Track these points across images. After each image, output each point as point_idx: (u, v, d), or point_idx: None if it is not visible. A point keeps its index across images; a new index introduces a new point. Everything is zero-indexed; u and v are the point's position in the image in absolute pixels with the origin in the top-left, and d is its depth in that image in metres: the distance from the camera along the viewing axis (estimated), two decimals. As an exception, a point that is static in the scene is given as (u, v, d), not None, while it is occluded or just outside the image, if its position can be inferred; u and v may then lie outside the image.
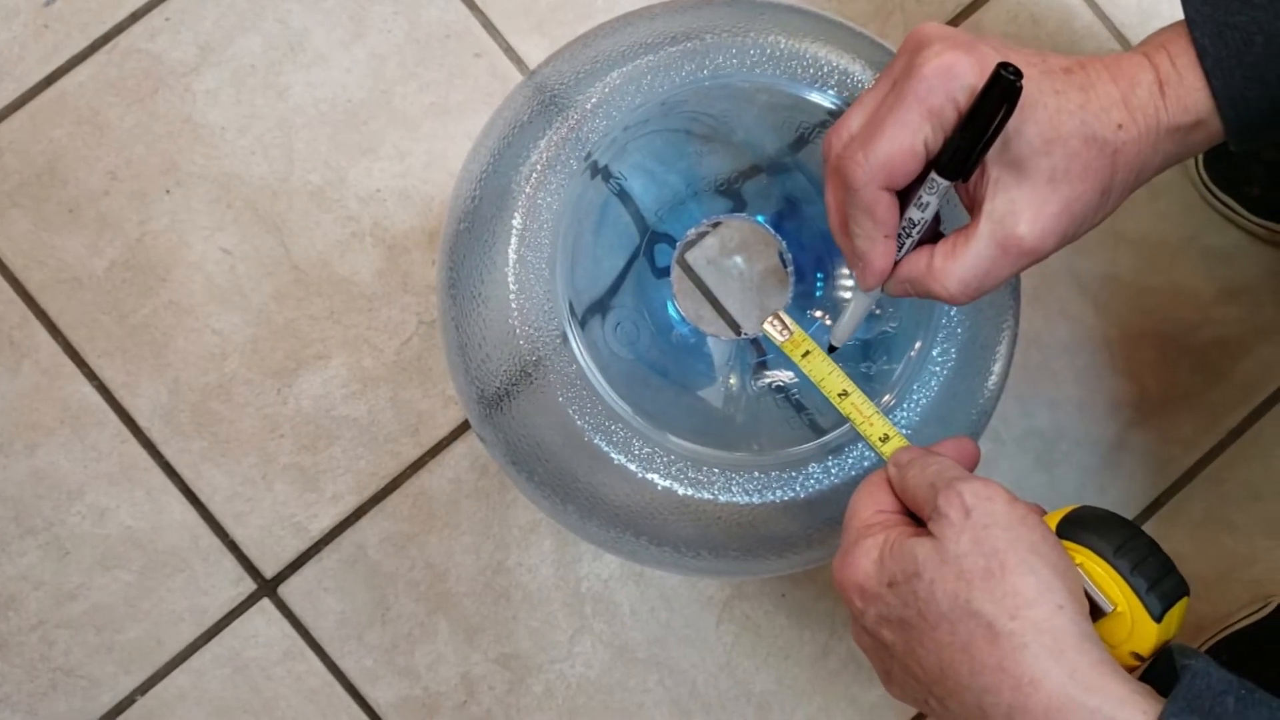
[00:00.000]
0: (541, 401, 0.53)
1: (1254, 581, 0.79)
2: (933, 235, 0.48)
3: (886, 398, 0.55)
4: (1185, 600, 0.44)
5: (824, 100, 0.55)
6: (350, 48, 0.79)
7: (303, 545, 0.76)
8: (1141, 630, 0.43)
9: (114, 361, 0.77)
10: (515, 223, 0.53)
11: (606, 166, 0.56)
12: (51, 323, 0.77)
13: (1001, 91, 0.41)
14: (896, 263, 0.47)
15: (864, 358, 0.59)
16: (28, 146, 0.77)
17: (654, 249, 0.61)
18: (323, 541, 0.77)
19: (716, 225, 0.76)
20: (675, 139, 0.60)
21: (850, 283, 0.60)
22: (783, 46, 0.54)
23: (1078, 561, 0.43)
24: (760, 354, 0.62)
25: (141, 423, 0.76)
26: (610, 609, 0.77)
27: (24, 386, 0.76)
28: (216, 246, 0.78)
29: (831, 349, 0.54)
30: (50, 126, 0.78)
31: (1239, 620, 0.75)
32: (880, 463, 0.53)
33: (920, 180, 0.45)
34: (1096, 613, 0.43)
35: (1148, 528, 0.79)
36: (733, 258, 0.77)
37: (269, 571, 0.76)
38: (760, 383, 0.61)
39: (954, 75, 0.42)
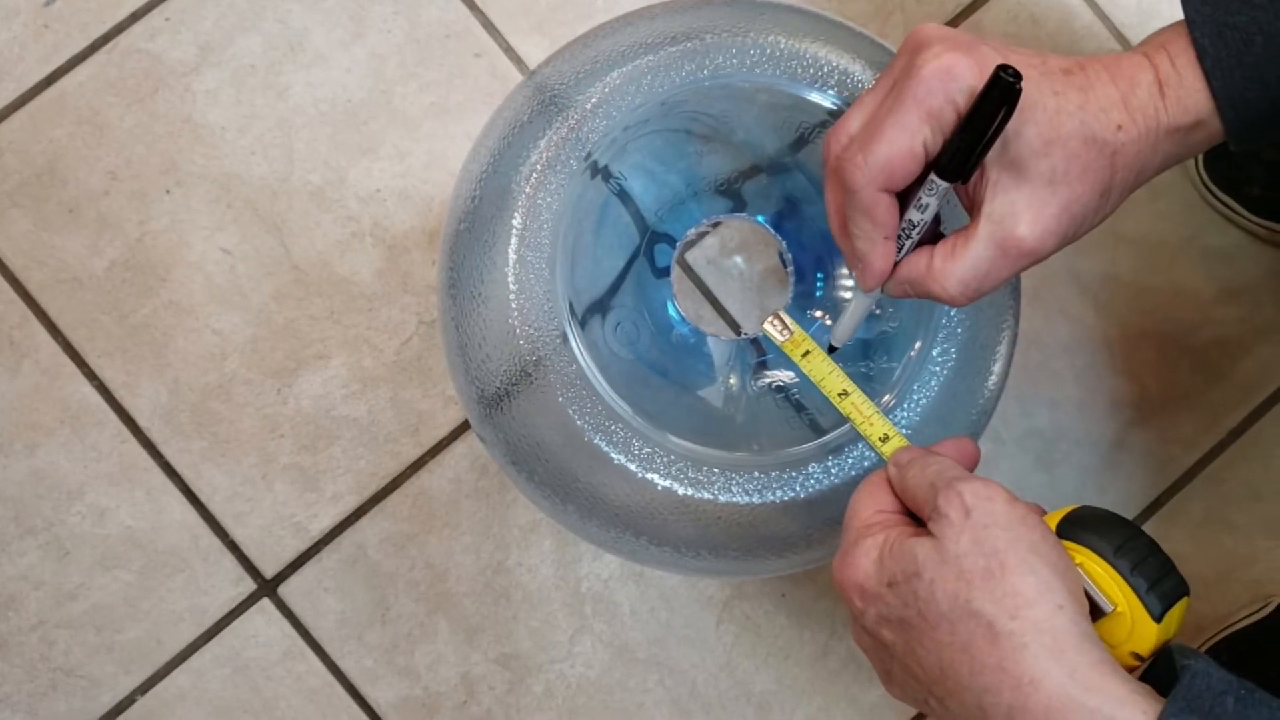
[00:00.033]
0: (541, 401, 0.53)
1: (1254, 581, 0.79)
2: (933, 236, 0.48)
3: (886, 398, 0.55)
4: (1185, 600, 0.44)
5: (824, 100, 0.55)
6: (350, 48, 0.79)
7: (303, 545, 0.76)
8: (1141, 630, 0.43)
9: (114, 361, 0.77)
10: (515, 223, 0.53)
11: (606, 166, 0.56)
12: (51, 323, 0.77)
13: (1001, 93, 0.41)
14: (896, 264, 0.47)
15: (864, 357, 0.59)
16: (28, 146, 0.77)
17: (654, 249, 0.61)
18: (323, 541, 0.77)
19: (716, 225, 0.76)
20: (675, 139, 0.60)
21: (850, 283, 0.60)
22: (783, 46, 0.54)
23: (1078, 561, 0.43)
24: (760, 354, 0.62)
25: (141, 423, 0.76)
26: (610, 609, 0.77)
27: (24, 386, 0.76)
28: (216, 246, 0.78)
29: (831, 349, 0.54)
30: (50, 126, 0.78)
31: (1239, 620, 0.75)
32: (880, 462, 0.53)
33: (920, 182, 0.45)
34: (1096, 613, 0.43)
35: (1148, 528, 0.79)
36: (733, 258, 0.77)
37: (269, 571, 0.76)
38: (760, 383, 0.61)
39: (953, 77, 0.42)
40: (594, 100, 0.53)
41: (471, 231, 0.54)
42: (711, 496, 0.53)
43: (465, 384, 0.55)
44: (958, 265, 0.45)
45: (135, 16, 0.79)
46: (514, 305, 0.53)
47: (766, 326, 0.55)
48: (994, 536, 0.41)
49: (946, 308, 0.55)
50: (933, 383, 0.54)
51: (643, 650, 0.77)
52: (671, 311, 0.62)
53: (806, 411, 0.60)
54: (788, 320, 0.55)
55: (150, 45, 0.79)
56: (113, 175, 0.78)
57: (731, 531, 0.54)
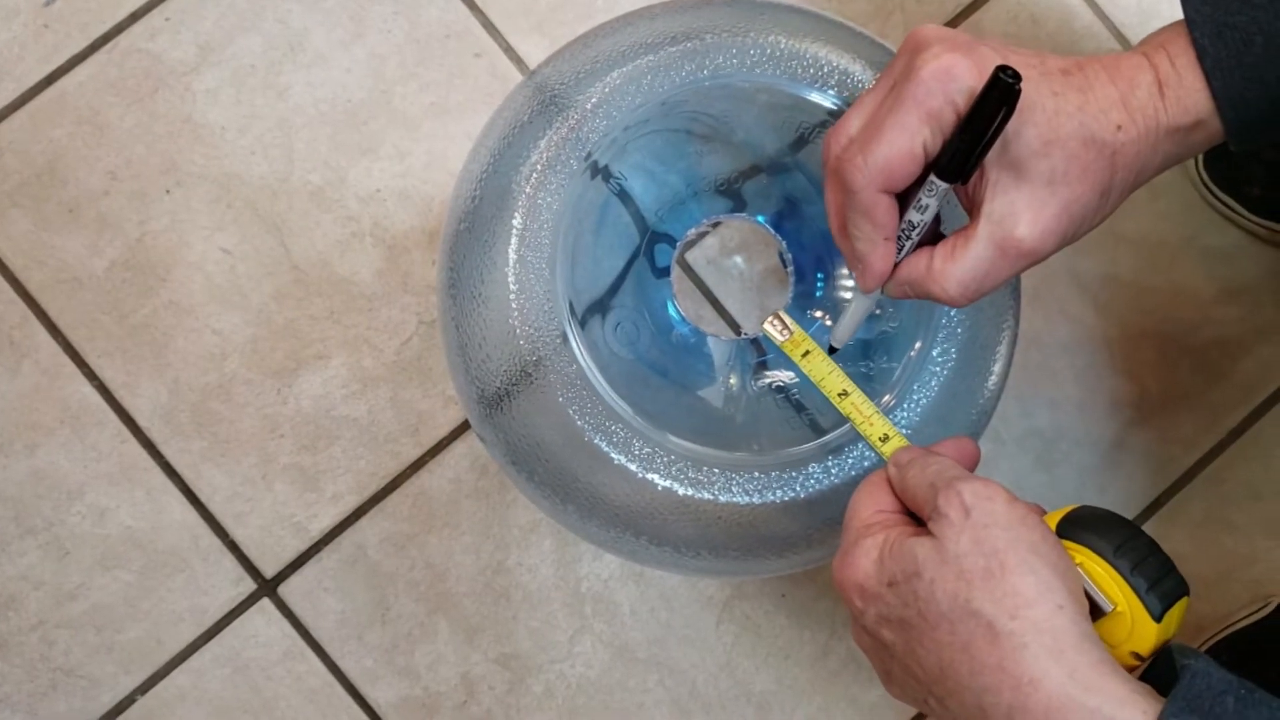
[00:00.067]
0: (541, 401, 0.53)
1: (1254, 581, 0.79)
2: (933, 237, 0.48)
3: (886, 398, 0.55)
4: (1185, 600, 0.44)
5: (824, 100, 0.55)
6: (350, 48, 0.79)
7: (303, 545, 0.76)
8: (1141, 630, 0.43)
9: (114, 361, 0.77)
10: (515, 223, 0.53)
11: (607, 166, 0.56)
12: (51, 323, 0.77)
13: (1000, 94, 0.41)
14: (896, 265, 0.47)
15: (864, 357, 0.59)
16: (28, 146, 0.77)
17: (654, 249, 0.61)
18: (323, 541, 0.77)
19: (716, 225, 0.76)
20: (675, 139, 0.60)
21: (850, 283, 0.60)
22: (783, 46, 0.54)
23: (1078, 561, 0.43)
24: (760, 354, 0.62)
25: (141, 423, 0.76)
26: (610, 609, 0.77)
27: (24, 386, 0.76)
28: (216, 246, 0.78)
29: (832, 350, 0.54)
30: (50, 126, 0.78)
31: (1239, 620, 0.75)
32: (880, 462, 0.53)
33: (920, 182, 0.45)
34: (1096, 613, 0.43)
35: (1148, 528, 0.79)
36: (733, 258, 0.77)
37: (269, 571, 0.76)
38: (760, 383, 0.61)
39: (953, 78, 0.42)
40: (594, 100, 0.53)
41: (472, 231, 0.54)
42: (711, 496, 0.53)
43: (465, 384, 0.55)
44: (957, 266, 0.45)
45: (135, 16, 0.79)
46: (514, 305, 0.53)
47: (766, 326, 0.55)
48: (994, 536, 0.41)
49: (946, 308, 0.55)
50: (933, 383, 0.55)
51: (643, 650, 0.77)
52: (671, 311, 0.62)
53: (806, 411, 0.60)
54: (788, 320, 0.55)
55: (150, 45, 0.79)
56: (113, 175, 0.78)
57: (731, 531, 0.54)
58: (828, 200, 0.48)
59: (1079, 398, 0.79)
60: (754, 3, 0.56)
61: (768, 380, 0.61)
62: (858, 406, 0.52)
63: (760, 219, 0.62)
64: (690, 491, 0.53)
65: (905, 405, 0.54)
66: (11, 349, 0.76)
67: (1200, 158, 0.80)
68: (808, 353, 0.54)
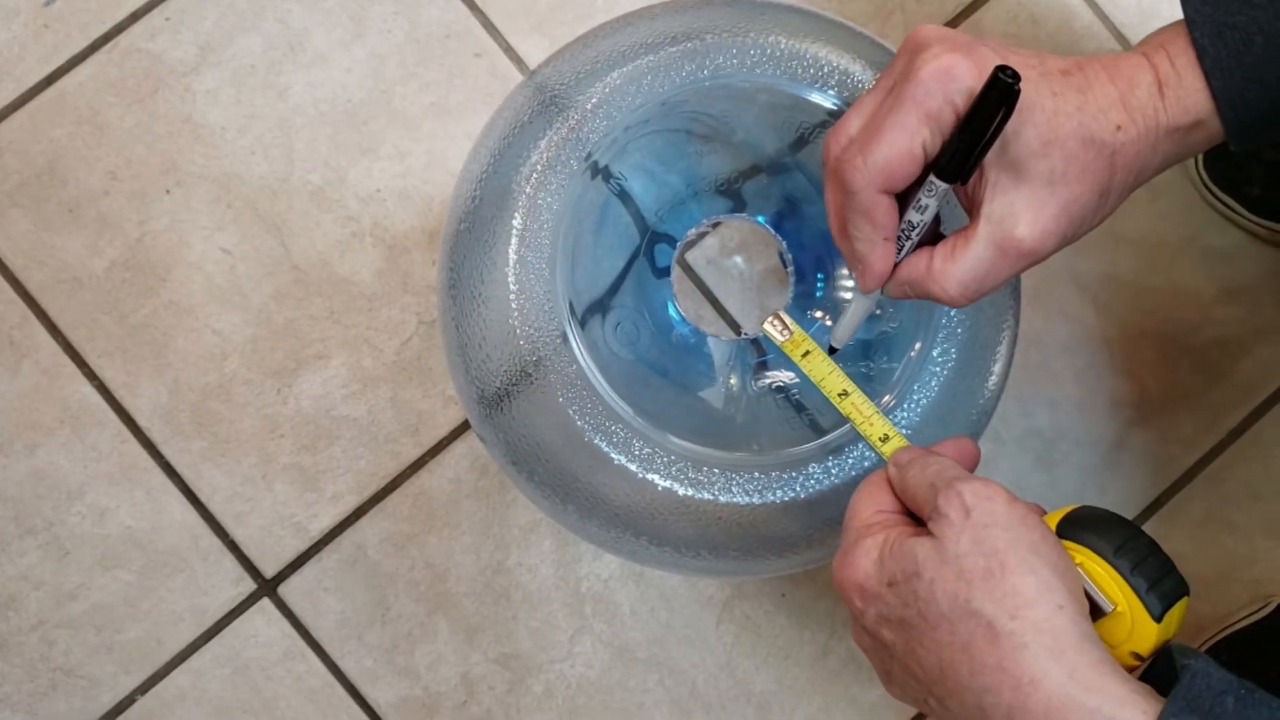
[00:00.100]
0: (542, 402, 0.53)
1: (1254, 581, 0.79)
2: (933, 237, 0.48)
3: (886, 398, 0.55)
4: (1185, 600, 0.44)
5: (824, 100, 0.55)
6: (350, 48, 0.79)
7: (303, 545, 0.76)
8: (1141, 630, 0.43)
9: (114, 361, 0.77)
10: (515, 223, 0.53)
11: (607, 167, 0.56)
12: (51, 323, 0.77)
13: (999, 94, 0.41)
14: (896, 265, 0.47)
15: (864, 358, 0.59)
16: (28, 146, 0.77)
17: (654, 249, 0.61)
18: (323, 541, 0.77)
19: (717, 225, 0.76)
20: (675, 139, 0.60)
21: (850, 283, 0.60)
22: (783, 47, 0.54)
23: (1078, 561, 0.43)
24: (760, 354, 0.62)
25: (141, 423, 0.76)
26: (610, 609, 0.77)
27: (24, 386, 0.76)
28: (216, 246, 0.78)
29: (832, 350, 0.54)
30: (50, 126, 0.78)
31: (1239, 620, 0.75)
32: (880, 463, 0.53)
33: (919, 183, 0.45)
34: (1096, 613, 0.43)
35: (1148, 528, 0.79)
36: (733, 258, 0.77)
37: (269, 571, 0.76)
38: (761, 383, 0.61)
39: (952, 78, 0.42)
40: (594, 100, 0.53)
41: (472, 232, 0.54)
42: (712, 497, 0.53)
43: (465, 384, 0.55)
44: (957, 266, 0.45)
45: (135, 16, 0.79)
46: (514, 305, 0.53)
47: (766, 327, 0.55)
48: (994, 536, 0.41)
49: (946, 308, 0.55)
50: (933, 383, 0.55)
51: (643, 650, 0.77)
52: (672, 312, 0.62)
53: (807, 412, 0.60)
54: (788, 320, 0.55)
55: (150, 45, 0.79)
56: (113, 175, 0.78)
57: (732, 532, 0.54)
58: (827, 201, 0.48)
59: (1079, 398, 0.79)
60: (754, 3, 0.56)
61: (768, 380, 0.61)
62: (858, 407, 0.52)
63: (760, 219, 0.62)
64: (690, 492, 0.53)
65: (905, 405, 0.54)
66: (11, 349, 0.76)
67: (1200, 158, 0.80)
68: (808, 353, 0.54)
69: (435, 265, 0.77)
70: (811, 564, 0.57)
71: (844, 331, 0.53)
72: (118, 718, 0.75)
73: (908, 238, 0.47)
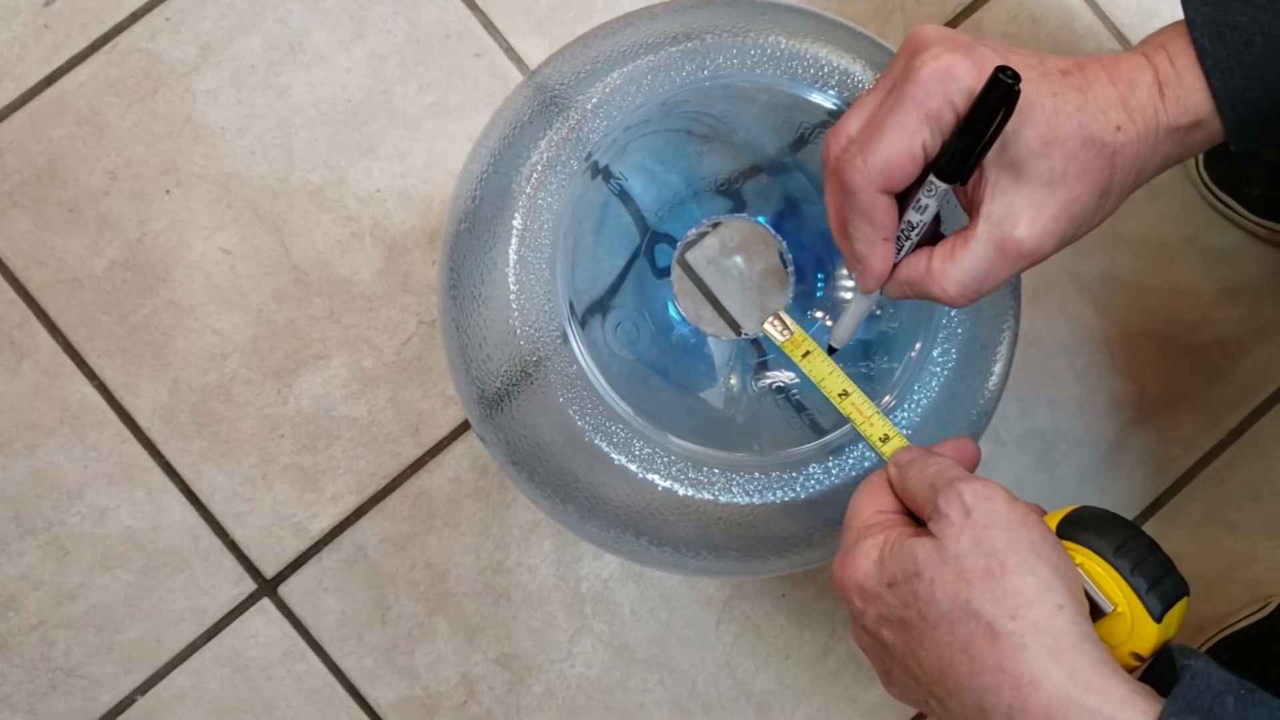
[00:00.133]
0: (542, 402, 0.53)
1: (1254, 581, 0.79)
2: (933, 237, 0.48)
3: (887, 398, 0.55)
4: (1185, 600, 0.44)
5: (824, 100, 0.55)
6: (350, 48, 0.79)
7: (303, 545, 0.76)
8: (1141, 630, 0.43)
9: (114, 361, 0.77)
10: (516, 223, 0.53)
11: (607, 167, 0.56)
12: (51, 323, 0.77)
13: (1000, 95, 0.41)
14: (896, 265, 0.47)
15: (864, 358, 0.59)
16: (28, 146, 0.77)
17: (654, 249, 0.61)
18: (323, 541, 0.77)
19: (717, 225, 0.76)
20: (676, 139, 0.60)
21: (850, 283, 0.60)
22: (783, 47, 0.54)
23: (1078, 561, 0.43)
24: (761, 354, 0.62)
25: (141, 423, 0.76)
26: (610, 609, 0.77)
27: (24, 386, 0.76)
28: (216, 246, 0.78)
29: (831, 350, 0.54)
30: (50, 126, 0.78)
31: (1239, 620, 0.75)
32: (880, 463, 0.53)
33: (919, 183, 0.45)
34: (1096, 613, 0.43)
35: (1148, 528, 0.79)
36: (733, 258, 0.77)
37: (269, 571, 0.76)
38: (761, 383, 0.61)
39: (952, 78, 0.42)
40: (594, 100, 0.53)
41: (472, 232, 0.54)
42: (712, 497, 0.53)
43: (465, 384, 0.55)
44: (957, 266, 0.45)
45: (135, 16, 0.79)
46: (514, 305, 0.53)
47: (767, 327, 0.55)
48: (994, 537, 0.41)
49: (947, 308, 0.55)
50: (933, 383, 0.54)
51: (643, 650, 0.77)
52: (672, 312, 0.62)
53: (807, 412, 0.60)
54: (788, 320, 0.55)
55: (150, 45, 0.79)
56: (113, 175, 0.78)
57: (732, 532, 0.54)
58: (827, 201, 0.48)
59: (1079, 398, 0.79)
60: (754, 3, 0.56)
61: (768, 380, 0.61)
62: (858, 407, 0.52)
63: (760, 219, 0.62)
64: (690, 492, 0.53)
65: (905, 405, 0.54)
66: (11, 349, 0.76)
67: (1200, 158, 0.80)
68: (808, 353, 0.54)
69: (435, 265, 0.77)
70: (811, 564, 0.57)
71: (844, 331, 0.53)
72: (118, 718, 0.75)
73: (907, 238, 0.47)
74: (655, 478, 0.53)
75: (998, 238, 0.44)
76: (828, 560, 0.51)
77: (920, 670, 0.42)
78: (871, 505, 0.46)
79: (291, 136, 0.78)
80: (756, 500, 0.53)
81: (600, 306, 0.59)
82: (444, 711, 0.76)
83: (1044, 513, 0.45)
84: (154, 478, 0.76)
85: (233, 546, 0.76)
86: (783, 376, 0.61)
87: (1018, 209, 0.44)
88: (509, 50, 0.80)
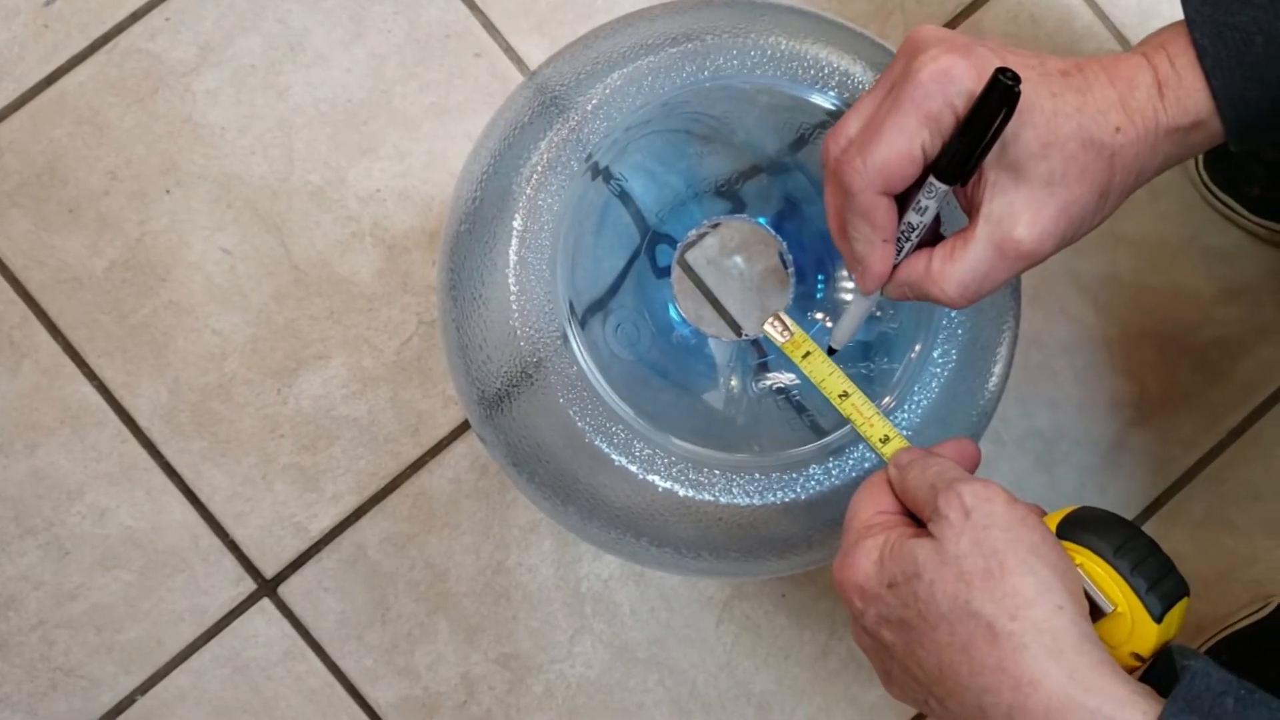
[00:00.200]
0: (542, 403, 0.53)
1: (1254, 581, 0.79)
2: (932, 238, 0.48)
3: (887, 399, 0.55)
4: (1185, 600, 0.44)
5: (824, 101, 0.55)
6: (350, 48, 0.79)
7: (303, 545, 0.77)
8: (1142, 631, 0.43)
9: (114, 361, 0.77)
10: (516, 224, 0.53)
11: (607, 168, 0.56)
12: (51, 323, 0.77)
13: (1000, 96, 0.41)
14: (895, 266, 0.47)
15: (864, 359, 0.59)
16: (28, 146, 0.77)
17: (654, 250, 0.61)
18: (323, 541, 0.77)
19: (717, 226, 0.76)
20: (676, 140, 0.60)
21: (850, 284, 0.60)
22: (783, 48, 0.54)
23: (1078, 562, 0.43)
24: (761, 355, 0.62)
25: (141, 423, 0.76)
26: (610, 609, 0.77)
27: (24, 386, 0.76)
28: (216, 246, 0.78)
29: (831, 351, 0.54)
30: (50, 126, 0.78)
31: (1239, 620, 0.75)
32: (881, 464, 0.53)
33: (919, 184, 0.45)
34: (1096, 613, 0.43)
35: (1148, 528, 0.79)
36: (733, 258, 0.77)
37: (269, 571, 0.76)
38: (761, 384, 0.61)
39: (951, 80, 0.42)
40: (595, 101, 0.53)
41: (472, 233, 0.54)
42: (712, 498, 0.53)
43: (466, 385, 0.55)
44: (956, 268, 0.45)
45: (135, 16, 0.79)
46: (514, 306, 0.53)
47: (767, 328, 0.55)
48: (994, 537, 0.41)
49: (947, 309, 0.55)
50: (933, 384, 0.55)
51: (643, 650, 0.77)
52: (672, 313, 0.62)
53: (807, 413, 0.60)
54: (788, 321, 0.55)
55: (150, 45, 0.79)
56: (113, 175, 0.78)
57: (732, 533, 0.54)
58: (827, 202, 0.48)
59: (1079, 398, 0.79)
60: (754, 4, 0.56)
61: (769, 382, 0.61)
62: (858, 408, 0.52)
63: (761, 220, 0.62)
64: (691, 493, 0.53)
65: (906, 406, 0.54)
66: (11, 349, 0.76)
67: (1200, 158, 0.80)
68: (808, 354, 0.54)
69: (435, 265, 0.77)
70: (812, 565, 0.57)
71: (844, 332, 0.53)
72: (118, 718, 0.75)
73: (907, 239, 0.47)
74: (656, 479, 0.53)
75: (997, 238, 0.44)
76: (828, 561, 0.51)
77: (920, 671, 0.42)
78: (872, 506, 0.46)
79: (291, 136, 0.78)
80: (757, 501, 0.53)
81: (600, 307, 0.59)
82: (444, 711, 0.76)
83: (1044, 513, 0.45)
84: (154, 478, 0.76)
85: (233, 546, 0.76)
86: (783, 377, 0.61)
87: (1017, 210, 0.44)
88: (509, 50, 0.80)
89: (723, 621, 0.77)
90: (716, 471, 0.53)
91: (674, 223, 0.61)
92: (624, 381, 0.54)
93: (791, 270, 0.61)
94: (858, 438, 0.53)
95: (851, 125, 0.45)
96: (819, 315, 0.61)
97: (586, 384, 0.53)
